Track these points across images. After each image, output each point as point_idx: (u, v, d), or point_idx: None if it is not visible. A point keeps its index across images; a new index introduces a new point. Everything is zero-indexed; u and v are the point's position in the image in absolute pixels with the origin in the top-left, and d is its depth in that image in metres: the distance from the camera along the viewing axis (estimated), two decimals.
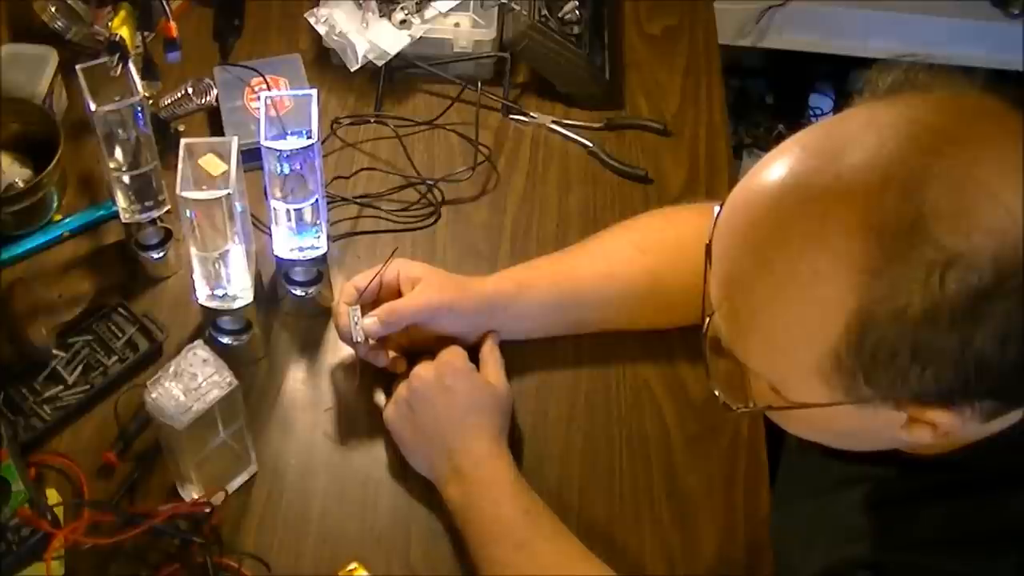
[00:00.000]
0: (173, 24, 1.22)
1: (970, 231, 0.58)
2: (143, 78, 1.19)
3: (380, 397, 1.06)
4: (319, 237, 1.06)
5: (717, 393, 0.74)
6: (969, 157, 0.60)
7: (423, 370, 1.00)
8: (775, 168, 0.65)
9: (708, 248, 0.70)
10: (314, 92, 1.00)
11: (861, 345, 0.62)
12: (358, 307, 1.01)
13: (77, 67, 1.01)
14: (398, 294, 1.04)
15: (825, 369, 0.64)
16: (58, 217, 1.17)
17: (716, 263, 0.69)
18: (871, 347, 0.62)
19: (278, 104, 1.02)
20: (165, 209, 1.09)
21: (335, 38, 1.30)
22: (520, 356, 1.08)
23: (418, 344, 1.04)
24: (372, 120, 1.29)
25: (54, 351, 1.05)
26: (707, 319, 0.71)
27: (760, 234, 0.65)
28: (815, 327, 0.63)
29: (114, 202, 1.09)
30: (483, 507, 0.94)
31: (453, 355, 1.01)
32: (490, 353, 1.04)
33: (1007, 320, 0.59)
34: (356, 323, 1.00)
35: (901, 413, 0.66)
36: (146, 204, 1.08)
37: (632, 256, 1.06)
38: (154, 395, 0.89)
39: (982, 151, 0.61)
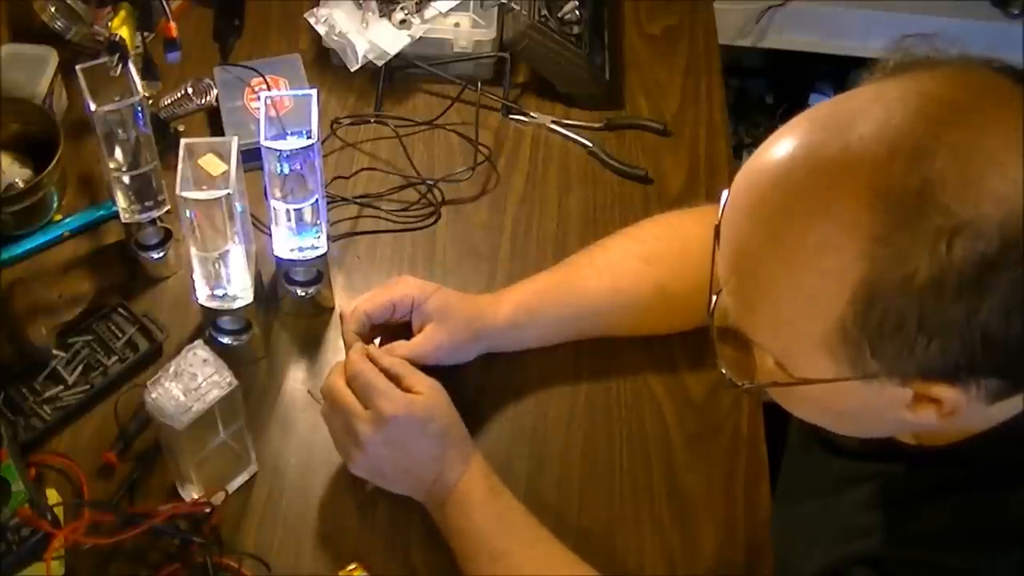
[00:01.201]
0: (173, 24, 1.22)
1: (978, 199, 0.59)
2: (143, 78, 1.19)
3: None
4: (319, 237, 1.06)
5: (724, 371, 0.74)
6: (976, 127, 0.61)
7: (369, 437, 0.93)
8: (784, 142, 0.66)
9: (716, 229, 0.70)
10: (314, 92, 1.00)
11: (867, 315, 0.62)
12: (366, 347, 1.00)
13: (77, 67, 1.01)
14: (409, 313, 1.03)
15: (831, 341, 0.64)
16: (58, 217, 1.17)
17: (724, 237, 0.69)
18: (877, 317, 0.62)
19: (278, 104, 1.02)
20: (165, 209, 1.09)
21: (335, 38, 1.30)
22: (520, 357, 1.08)
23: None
24: (372, 120, 1.29)
25: (54, 351, 1.05)
26: (714, 298, 0.71)
27: (768, 206, 0.65)
28: (822, 297, 0.63)
29: (114, 202, 1.10)
30: (459, 523, 0.94)
31: (383, 402, 0.93)
32: (401, 367, 0.97)
33: (1012, 292, 0.59)
34: None
35: (906, 390, 0.66)
36: (146, 204, 1.08)
37: (638, 268, 1.06)
38: (154, 395, 0.89)
39: (989, 122, 0.61)
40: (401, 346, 1.01)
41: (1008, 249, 0.59)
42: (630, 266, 1.07)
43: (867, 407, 0.70)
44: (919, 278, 0.60)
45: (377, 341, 1.01)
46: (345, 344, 1.02)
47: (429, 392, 0.95)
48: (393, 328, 1.03)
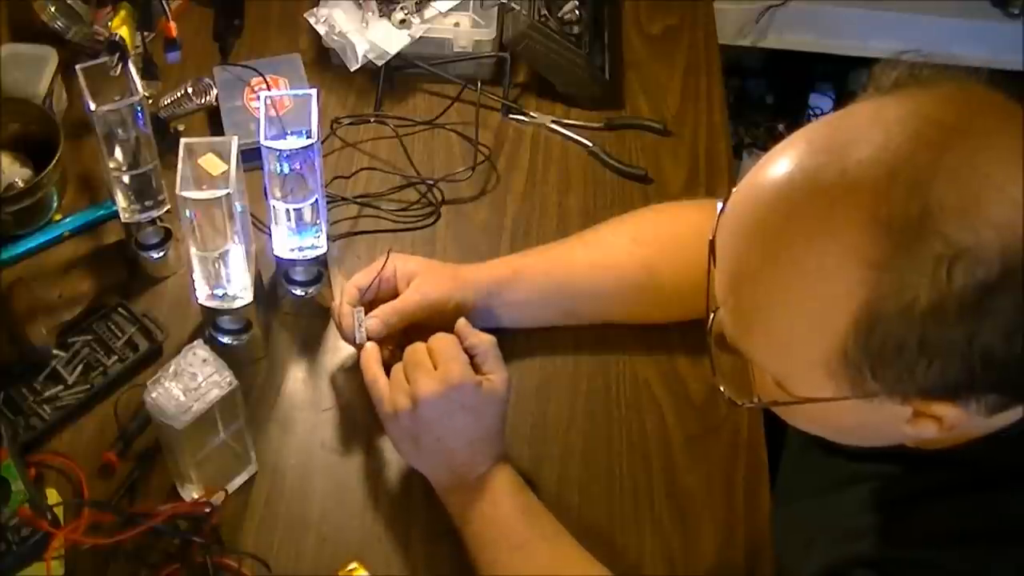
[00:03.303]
0: (173, 24, 1.22)
1: (977, 224, 0.59)
2: (143, 78, 1.18)
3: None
4: (319, 237, 1.06)
5: (722, 389, 0.74)
6: (974, 150, 0.61)
7: (429, 392, 0.92)
8: (781, 163, 0.65)
9: (712, 244, 0.70)
10: (314, 92, 1.00)
11: (868, 339, 0.62)
12: (361, 309, 1.01)
13: (77, 67, 1.01)
14: (395, 290, 1.04)
15: (831, 364, 0.64)
16: (58, 217, 1.17)
17: (721, 259, 0.69)
18: (878, 341, 0.62)
19: (278, 104, 1.02)
20: (165, 209, 1.09)
21: (335, 38, 1.30)
22: (520, 357, 1.08)
23: (414, 336, 1.04)
24: (372, 120, 1.29)
25: (54, 351, 1.05)
26: (711, 315, 0.71)
27: (766, 229, 0.65)
28: (822, 322, 0.63)
29: (114, 202, 1.09)
30: (483, 509, 0.94)
31: (456, 366, 0.93)
32: (487, 350, 0.97)
33: (1013, 314, 0.59)
34: (360, 325, 1.00)
35: (906, 407, 0.66)
36: (146, 204, 1.08)
37: (628, 248, 1.07)
38: (154, 395, 0.89)
39: (987, 144, 0.61)
40: (388, 305, 1.02)
41: (1009, 273, 0.59)
42: (620, 244, 1.07)
43: (867, 423, 0.70)
44: (919, 304, 0.59)
45: (362, 310, 1.01)
46: (340, 321, 1.02)
47: (499, 381, 0.95)
48: (383, 303, 1.04)
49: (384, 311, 1.01)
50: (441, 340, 0.96)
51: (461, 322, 0.99)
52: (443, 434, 0.94)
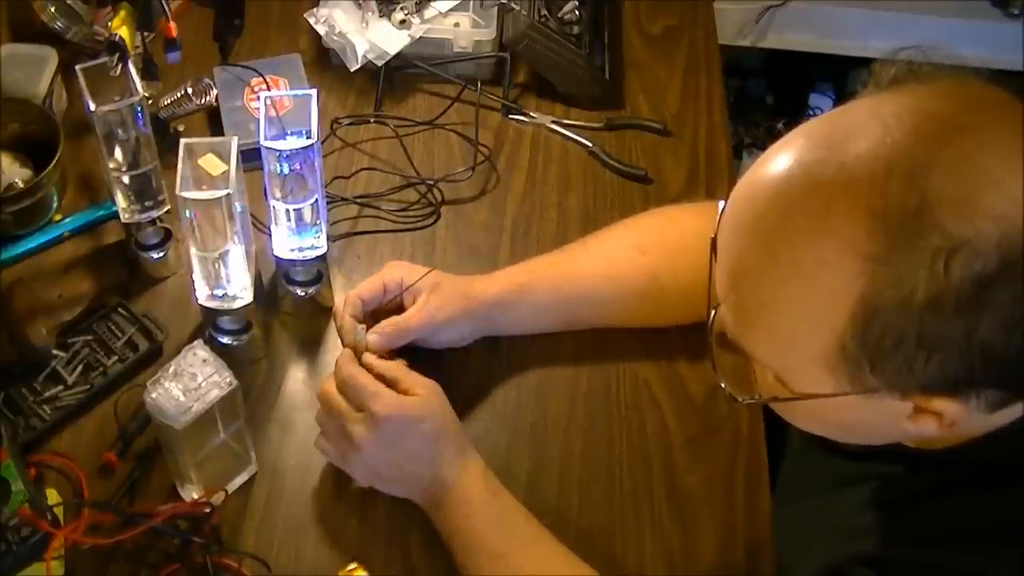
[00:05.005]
0: (173, 24, 1.22)
1: (975, 217, 0.59)
2: (143, 78, 1.18)
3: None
4: (319, 237, 1.06)
5: (723, 385, 0.74)
6: (972, 144, 0.61)
7: (364, 436, 0.93)
8: (780, 159, 0.66)
9: (713, 242, 0.70)
10: (314, 92, 1.00)
11: (867, 333, 0.62)
12: (363, 327, 1.00)
13: (77, 67, 1.01)
14: (401, 301, 1.04)
15: (831, 358, 0.65)
16: (58, 217, 1.17)
17: (722, 255, 0.69)
18: (877, 335, 0.62)
19: (278, 104, 1.02)
20: (165, 209, 1.09)
21: (335, 38, 1.30)
22: (520, 357, 1.09)
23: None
24: (372, 120, 1.29)
25: (54, 351, 1.05)
26: (712, 312, 0.71)
27: (765, 224, 0.65)
28: (821, 316, 0.63)
29: (114, 202, 1.10)
30: (459, 523, 0.94)
31: (377, 402, 0.93)
32: (397, 370, 0.97)
33: (1012, 307, 0.59)
34: (360, 339, 1.00)
35: (907, 403, 0.66)
36: (146, 204, 1.08)
37: (632, 257, 1.07)
38: (154, 395, 0.89)
39: (985, 138, 0.61)
40: (392, 322, 1.01)
41: (1007, 267, 0.59)
42: (624, 253, 1.07)
43: (868, 419, 0.70)
44: (917, 297, 0.60)
45: (363, 327, 1.00)
46: (341, 334, 1.02)
47: (425, 393, 0.95)
48: (387, 314, 1.03)
49: (388, 329, 1.00)
50: (353, 380, 0.95)
51: (368, 357, 0.98)
52: (400, 462, 0.95)
